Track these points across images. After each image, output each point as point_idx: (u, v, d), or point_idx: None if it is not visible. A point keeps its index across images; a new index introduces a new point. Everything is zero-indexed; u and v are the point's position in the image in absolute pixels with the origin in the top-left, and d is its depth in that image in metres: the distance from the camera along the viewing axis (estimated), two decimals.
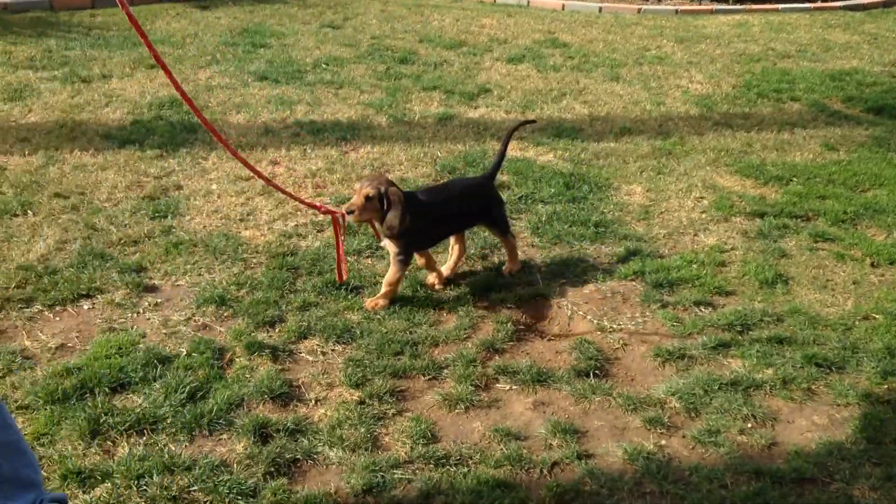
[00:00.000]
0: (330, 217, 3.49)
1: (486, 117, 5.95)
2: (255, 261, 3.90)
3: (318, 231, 4.21)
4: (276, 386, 3.01)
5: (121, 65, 6.65)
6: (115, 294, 3.55)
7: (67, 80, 6.19)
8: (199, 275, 3.75)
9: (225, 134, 5.33)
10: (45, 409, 2.81)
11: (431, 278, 3.79)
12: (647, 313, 3.62)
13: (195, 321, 3.42)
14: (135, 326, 3.36)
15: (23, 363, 3.05)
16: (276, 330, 3.39)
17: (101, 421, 2.77)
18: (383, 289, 3.59)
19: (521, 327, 3.53)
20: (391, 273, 3.58)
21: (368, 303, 3.57)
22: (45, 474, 2.54)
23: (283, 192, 3.45)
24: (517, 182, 4.86)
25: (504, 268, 3.92)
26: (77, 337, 3.26)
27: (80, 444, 2.68)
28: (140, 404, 2.89)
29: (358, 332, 3.39)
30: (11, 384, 2.93)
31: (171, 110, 5.71)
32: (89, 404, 2.84)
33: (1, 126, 5.27)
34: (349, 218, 3.42)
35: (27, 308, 3.40)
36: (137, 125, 5.40)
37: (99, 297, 3.53)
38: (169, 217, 4.22)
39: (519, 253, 3.94)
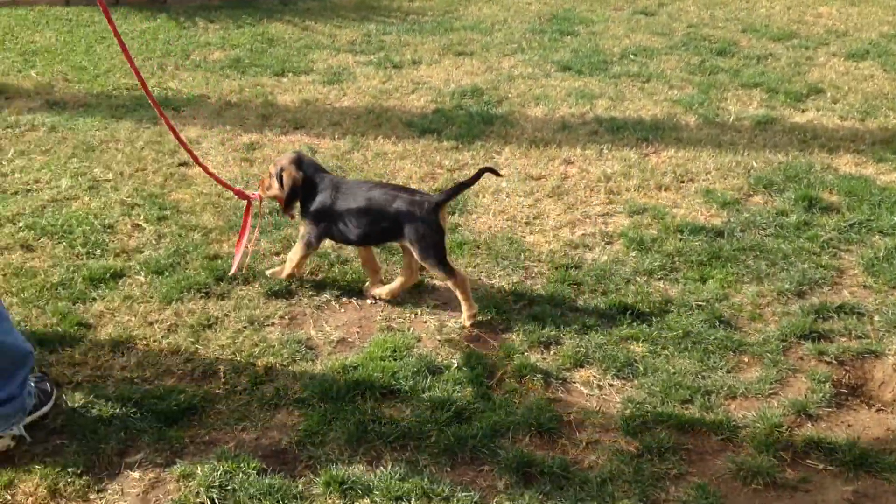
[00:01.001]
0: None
1: (815, 123, 5.19)
2: (536, 270, 3.69)
3: (607, 243, 3.89)
4: (544, 418, 2.77)
5: (430, 51, 6.79)
6: None
7: (381, 64, 6.43)
8: (479, 279, 3.62)
9: (520, 128, 5.19)
10: (319, 407, 2.82)
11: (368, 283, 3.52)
12: None
13: (469, 331, 3.29)
14: (412, 328, 3.30)
15: (306, 354, 3.12)
16: (551, 353, 3.15)
17: (369, 428, 2.72)
18: (286, 265, 3.48)
19: (843, 390, 2.95)
20: (293, 250, 3.46)
21: (269, 272, 3.54)
22: (309, 476, 2.54)
23: (206, 170, 3.50)
24: (848, 205, 4.14)
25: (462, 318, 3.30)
26: (357, 332, 3.28)
27: (346, 451, 2.64)
28: (407, 416, 2.80)
29: (641, 368, 3.04)
30: (293, 374, 2.99)
31: (472, 100, 5.69)
32: (360, 408, 2.81)
33: (318, 108, 5.58)
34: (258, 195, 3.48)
35: (317, 296, 3.49)
36: (438, 114, 5.43)
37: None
38: (456, 213, 4.15)
39: (766, 306, 3.32)
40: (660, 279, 3.61)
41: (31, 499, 2.40)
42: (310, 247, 3.44)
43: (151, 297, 3.39)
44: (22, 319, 3.18)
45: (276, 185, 3.39)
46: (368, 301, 3.45)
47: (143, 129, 5.12)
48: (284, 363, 3.05)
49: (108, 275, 3.51)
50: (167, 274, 3.55)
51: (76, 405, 2.76)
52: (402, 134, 5.12)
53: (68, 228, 3.86)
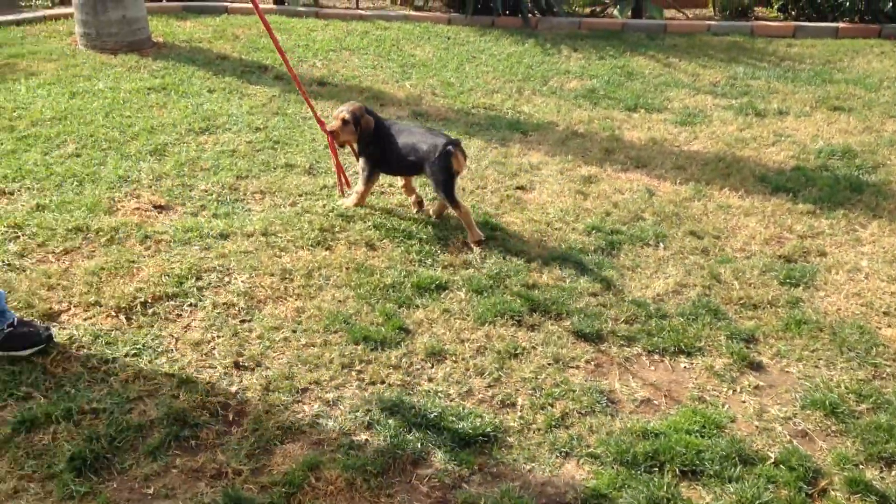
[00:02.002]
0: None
1: None
2: (889, 370, 3.15)
3: None
4: None
5: (801, 102, 6.23)
6: (717, 360, 3.24)
7: (742, 110, 6.04)
8: (816, 367, 3.19)
9: (895, 201, 4.53)
10: (612, 468, 2.66)
11: (411, 200, 4.41)
12: None
13: (794, 423, 2.89)
14: (726, 405, 2.99)
15: (606, 407, 2.97)
16: (893, 473, 2.65)
17: None
18: (353, 197, 4.34)
19: None
20: (357, 185, 4.32)
21: (343, 202, 4.35)
22: None
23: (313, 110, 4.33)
24: None
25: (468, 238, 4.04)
26: (665, 396, 3.05)
27: None
28: (707, 502, 2.53)
29: None
30: (590, 426, 2.86)
31: (841, 161, 5.10)
32: (655, 481, 2.59)
33: (664, 149, 5.38)
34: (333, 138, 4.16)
35: (627, 347, 3.32)
36: (798, 172, 4.94)
37: (699, 357, 3.26)
38: (801, 287, 3.71)
39: None
40: None
41: (330, 486, 2.55)
42: (371, 180, 4.28)
43: (467, 315, 3.47)
44: (354, 313, 3.43)
45: (350, 130, 4.10)
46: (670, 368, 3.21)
47: (491, 149, 5.32)
48: (583, 411, 2.93)
49: (434, 285, 3.67)
50: (485, 294, 3.62)
51: (384, 406, 2.89)
52: (752, 188, 4.73)
53: (408, 234, 4.11)
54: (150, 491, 2.52)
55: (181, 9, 8.90)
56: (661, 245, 4.11)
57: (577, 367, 3.17)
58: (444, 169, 3.99)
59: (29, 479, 2.52)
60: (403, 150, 4.11)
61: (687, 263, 3.93)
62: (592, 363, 3.21)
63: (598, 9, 9.57)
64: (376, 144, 4.18)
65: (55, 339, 3.11)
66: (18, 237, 3.84)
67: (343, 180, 4.43)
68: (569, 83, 6.82)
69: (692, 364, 3.23)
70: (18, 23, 8.00)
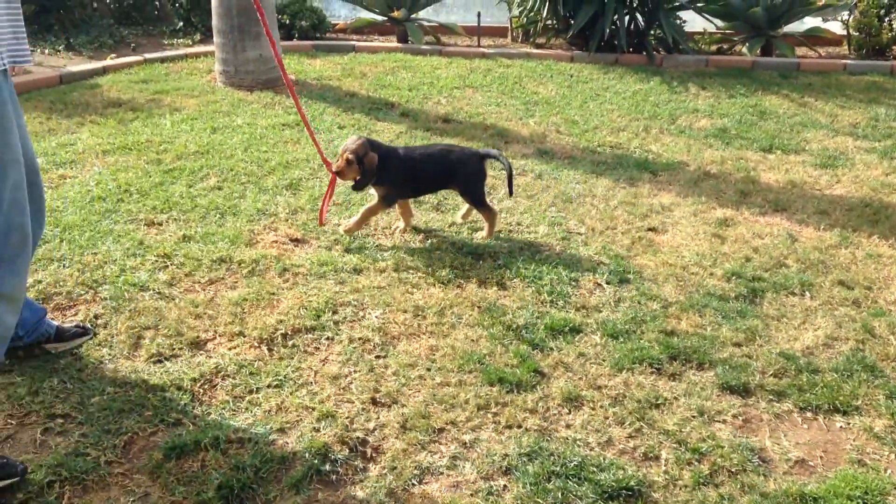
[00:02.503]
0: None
1: None
2: None
3: None
4: None
5: None
6: (875, 420, 3.03)
7: (886, 154, 5.74)
8: None
9: None
10: None
11: (401, 225, 4.53)
12: None
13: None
14: (889, 471, 2.79)
15: (758, 466, 2.81)
16: None
17: None
18: (360, 214, 4.36)
19: None
20: (373, 205, 4.34)
21: (344, 226, 4.40)
22: None
23: (312, 136, 4.32)
24: None
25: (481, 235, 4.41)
26: (821, 457, 2.87)
27: None
28: None
29: None
30: (741, 485, 2.71)
31: None
32: None
33: (805, 192, 5.15)
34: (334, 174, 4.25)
35: (777, 402, 3.15)
36: None
37: (856, 417, 3.06)
38: None
39: None
40: None
41: None
42: (388, 205, 4.36)
43: (603, 361, 3.39)
44: (488, 353, 3.40)
45: (355, 169, 4.13)
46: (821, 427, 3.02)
47: (619, 189, 5.23)
48: (733, 469, 2.78)
49: (567, 328, 3.60)
50: (621, 340, 3.52)
51: (522, 451, 2.84)
52: None
53: (538, 274, 4.07)
54: None
55: (312, 48, 9.24)
56: (808, 294, 3.90)
57: (724, 422, 3.03)
58: (482, 175, 4.43)
59: None
60: (431, 168, 4.34)
61: (837, 315, 3.72)
62: (740, 418, 3.05)
63: (725, 46, 9.35)
64: (393, 172, 4.26)
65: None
66: (167, 266, 4.02)
67: (325, 208, 4.49)
68: (698, 122, 6.66)
69: (849, 424, 3.03)
70: (163, 60, 8.49)
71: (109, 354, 3.32)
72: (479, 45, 9.58)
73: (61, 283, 3.80)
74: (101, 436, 2.86)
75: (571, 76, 8.13)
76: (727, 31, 9.36)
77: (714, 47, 9.40)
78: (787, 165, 5.62)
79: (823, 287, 3.96)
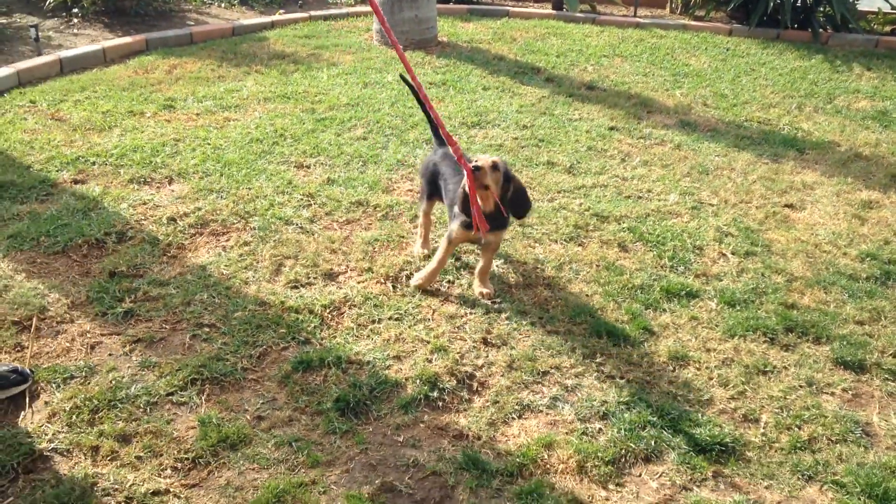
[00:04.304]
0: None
1: None
2: None
3: None
4: None
5: None
6: None
7: None
8: None
9: None
10: (859, 499, 2.50)
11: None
12: None
13: None
14: None
15: (860, 438, 2.77)
16: None
17: None
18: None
19: None
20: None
21: (479, 290, 3.60)
22: None
23: (432, 112, 3.53)
24: None
25: None
26: None
27: None
28: None
29: None
30: (839, 454, 2.69)
31: None
32: None
33: None
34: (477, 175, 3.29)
35: (893, 381, 3.07)
36: None
37: None
38: None
39: None
40: None
41: (561, 465, 2.65)
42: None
43: (716, 326, 3.41)
44: (600, 308, 3.50)
45: (497, 180, 3.36)
46: None
47: (761, 164, 5.12)
48: (833, 438, 2.77)
49: (684, 292, 3.63)
50: (738, 308, 3.52)
51: (621, 400, 2.94)
52: None
53: (662, 239, 4.10)
54: (400, 439, 2.77)
55: (466, 11, 9.43)
56: None
57: (832, 394, 3.00)
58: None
59: (301, 411, 2.88)
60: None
61: None
62: (850, 392, 3.02)
63: None
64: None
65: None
66: (311, 205, 4.36)
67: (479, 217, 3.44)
68: (857, 103, 6.34)
69: None
70: (326, 18, 8.94)
71: (254, 277, 3.67)
72: (634, 15, 9.44)
73: (218, 212, 4.22)
74: (240, 346, 3.20)
75: (727, 49, 7.89)
76: None
77: (888, 28, 8.81)
78: None
79: None
